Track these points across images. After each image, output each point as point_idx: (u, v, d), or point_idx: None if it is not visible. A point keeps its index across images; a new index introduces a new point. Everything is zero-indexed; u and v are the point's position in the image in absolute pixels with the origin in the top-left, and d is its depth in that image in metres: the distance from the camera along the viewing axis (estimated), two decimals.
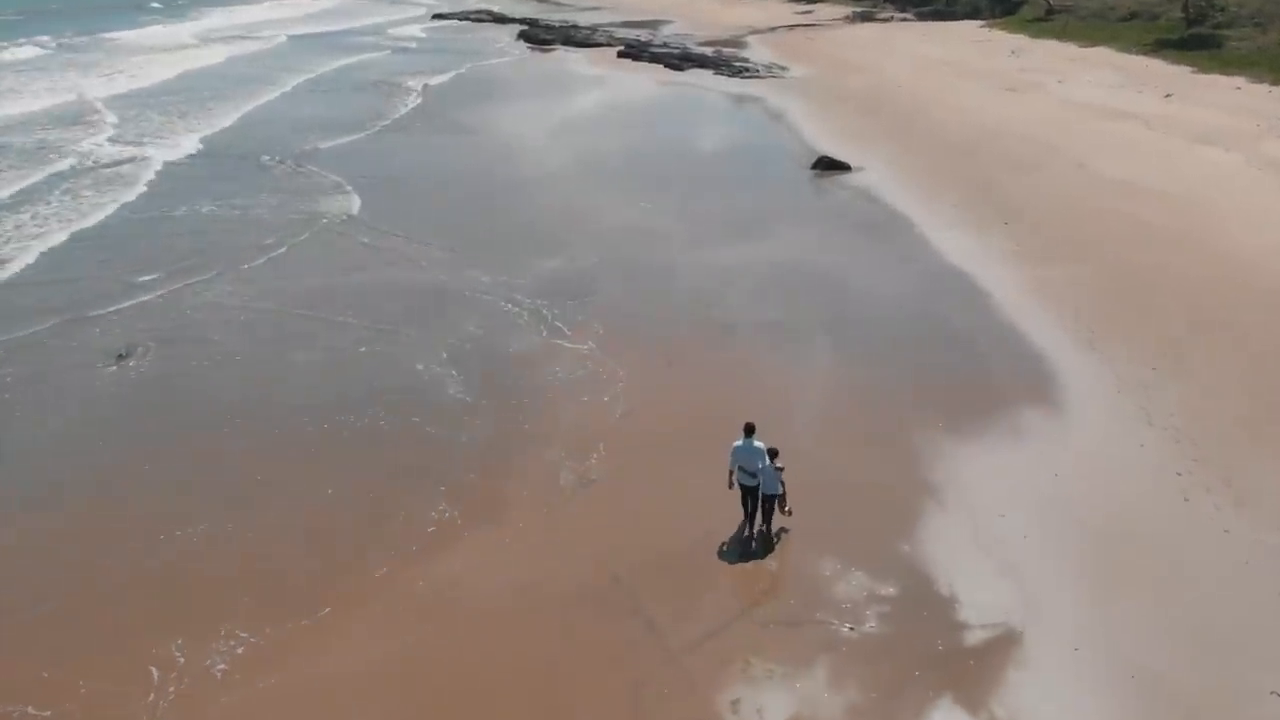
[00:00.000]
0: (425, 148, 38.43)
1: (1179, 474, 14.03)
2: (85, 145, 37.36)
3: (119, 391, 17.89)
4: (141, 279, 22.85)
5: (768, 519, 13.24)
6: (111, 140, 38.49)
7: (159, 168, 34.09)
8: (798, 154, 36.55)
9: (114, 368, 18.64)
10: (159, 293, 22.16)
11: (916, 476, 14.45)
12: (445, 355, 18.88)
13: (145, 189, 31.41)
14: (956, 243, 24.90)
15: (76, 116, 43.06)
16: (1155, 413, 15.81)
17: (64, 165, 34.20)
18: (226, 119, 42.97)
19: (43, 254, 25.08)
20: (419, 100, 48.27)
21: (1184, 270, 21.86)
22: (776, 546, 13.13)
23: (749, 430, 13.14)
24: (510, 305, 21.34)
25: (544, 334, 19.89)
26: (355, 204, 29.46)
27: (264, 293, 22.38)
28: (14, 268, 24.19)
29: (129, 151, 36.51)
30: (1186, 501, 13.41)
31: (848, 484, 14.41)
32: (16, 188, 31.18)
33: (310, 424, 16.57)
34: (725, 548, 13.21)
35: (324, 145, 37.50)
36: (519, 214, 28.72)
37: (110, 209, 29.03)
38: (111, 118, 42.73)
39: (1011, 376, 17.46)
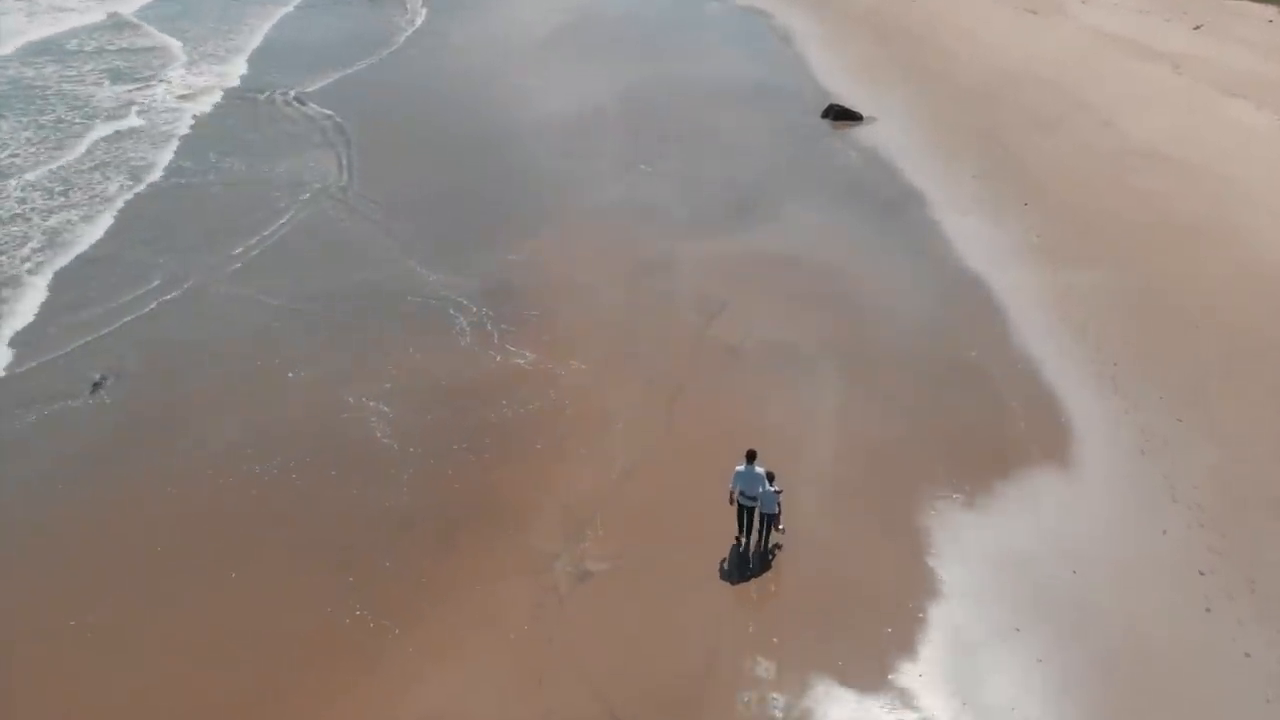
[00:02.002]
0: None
1: (1202, 573, 13.42)
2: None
3: None
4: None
5: (765, 536, 14.13)
6: None
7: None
8: (807, 95, 34.73)
9: None
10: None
11: (921, 572, 13.65)
12: (390, 392, 17.93)
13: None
14: (974, 231, 23.67)
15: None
16: (1180, 482, 15.10)
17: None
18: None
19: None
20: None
21: (1212, 279, 20.75)
22: (772, 563, 13.90)
23: (750, 457, 13.86)
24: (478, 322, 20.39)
25: (527, 360, 18.97)
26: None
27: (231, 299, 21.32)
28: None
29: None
30: (1208, 612, 12.83)
31: (844, 579, 13.60)
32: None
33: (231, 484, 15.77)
34: (725, 566, 13.88)
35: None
36: (497, 205, 27.11)
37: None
38: None
39: (1027, 426, 16.56)
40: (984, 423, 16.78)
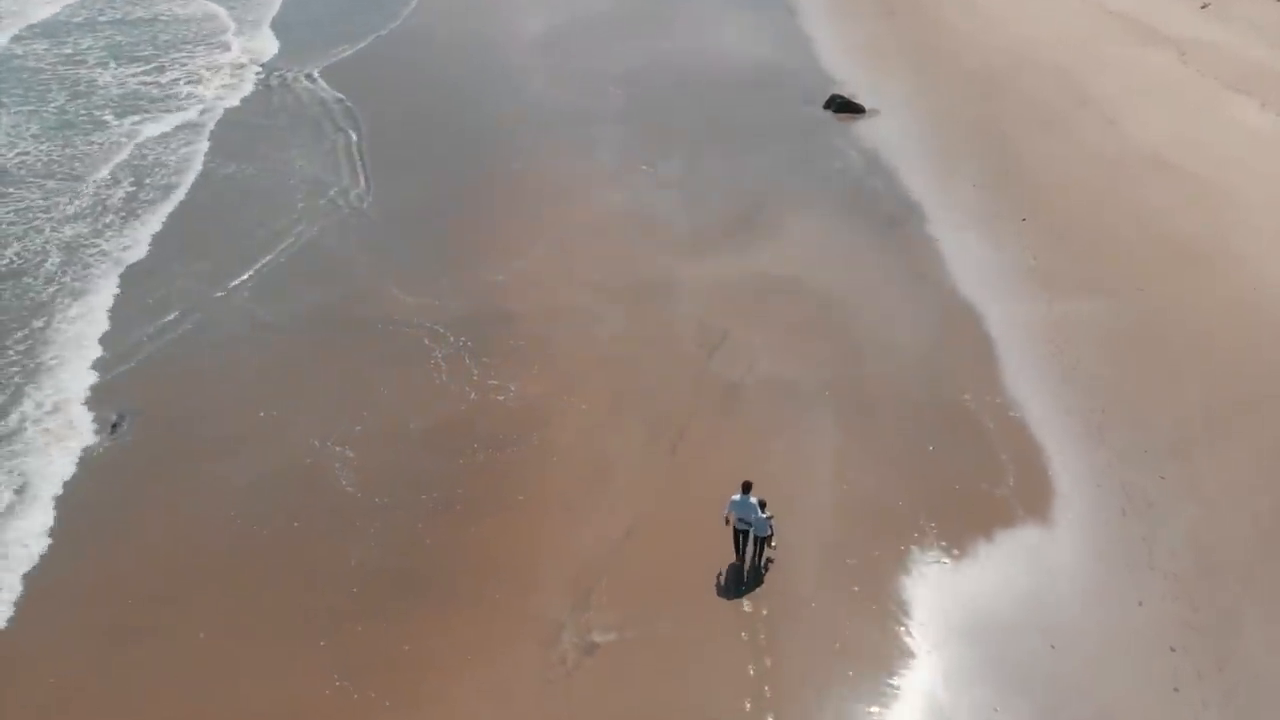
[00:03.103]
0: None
1: (1173, 649, 14.18)
2: None
3: None
4: None
5: (759, 554, 15.74)
6: None
7: None
8: (810, 81, 34.64)
9: None
10: None
11: (907, 645, 14.38)
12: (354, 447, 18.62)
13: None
14: (971, 252, 23.99)
15: None
16: (1158, 547, 15.77)
17: None
18: None
19: None
20: None
21: (1205, 312, 21.13)
22: (764, 576, 15.56)
23: (746, 488, 15.43)
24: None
25: (520, 402, 19.58)
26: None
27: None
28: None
29: None
30: (1176, 692, 13.62)
31: (836, 651, 14.31)
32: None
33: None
34: (723, 582, 15.45)
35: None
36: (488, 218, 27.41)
37: None
38: None
39: (1015, 482, 17.14)
40: (973, 477, 17.39)
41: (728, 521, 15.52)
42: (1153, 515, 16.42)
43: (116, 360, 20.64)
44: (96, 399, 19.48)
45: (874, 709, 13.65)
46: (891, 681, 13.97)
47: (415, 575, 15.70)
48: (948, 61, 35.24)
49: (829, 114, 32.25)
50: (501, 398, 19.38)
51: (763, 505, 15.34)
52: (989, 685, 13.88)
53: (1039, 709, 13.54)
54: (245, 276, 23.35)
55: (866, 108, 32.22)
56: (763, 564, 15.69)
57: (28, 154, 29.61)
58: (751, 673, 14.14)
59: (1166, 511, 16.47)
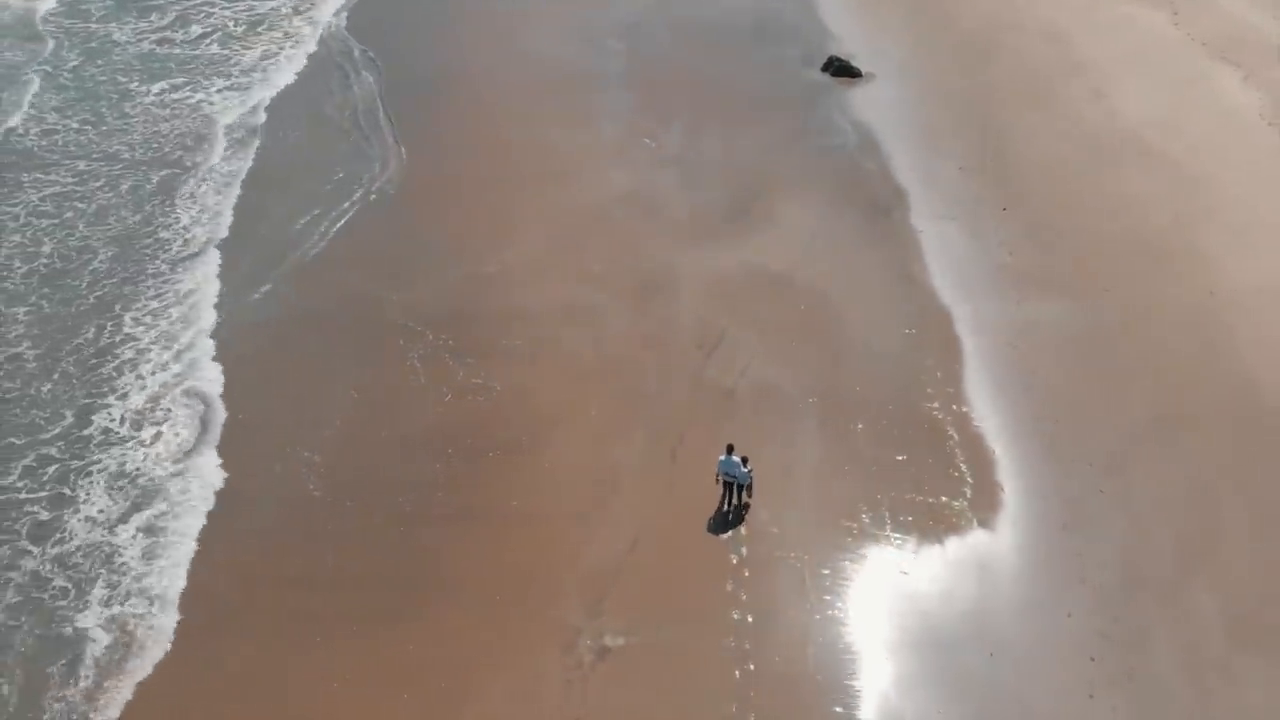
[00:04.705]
0: None
1: (1092, 659, 16.83)
2: None
3: None
4: None
5: (739, 499, 19.57)
6: None
7: None
8: (810, 38, 35.55)
9: None
10: None
11: (866, 657, 16.99)
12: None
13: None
14: (952, 246, 25.74)
15: None
16: (1090, 561, 18.23)
17: None
18: None
19: None
20: None
21: (1162, 316, 23.07)
22: (745, 515, 19.37)
23: (729, 450, 19.20)
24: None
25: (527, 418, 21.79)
26: None
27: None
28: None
29: None
30: (1091, 698, 16.33)
31: (812, 665, 16.99)
32: None
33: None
34: (712, 523, 19.21)
35: None
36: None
37: None
38: None
39: (972, 494, 19.51)
40: (936, 488, 19.77)
41: (718, 479, 19.25)
42: (1089, 530, 18.87)
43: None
44: None
45: (838, 709, 16.42)
46: (851, 683, 16.74)
47: (442, 582, 18.27)
48: (944, 19, 35.96)
49: (827, 77, 33.35)
50: (510, 402, 21.70)
51: (745, 461, 19.18)
52: (934, 688, 16.62)
53: (975, 712, 16.31)
54: None
55: (863, 72, 33.26)
56: (743, 505, 19.52)
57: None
58: (737, 675, 16.87)
59: (1100, 526, 18.91)
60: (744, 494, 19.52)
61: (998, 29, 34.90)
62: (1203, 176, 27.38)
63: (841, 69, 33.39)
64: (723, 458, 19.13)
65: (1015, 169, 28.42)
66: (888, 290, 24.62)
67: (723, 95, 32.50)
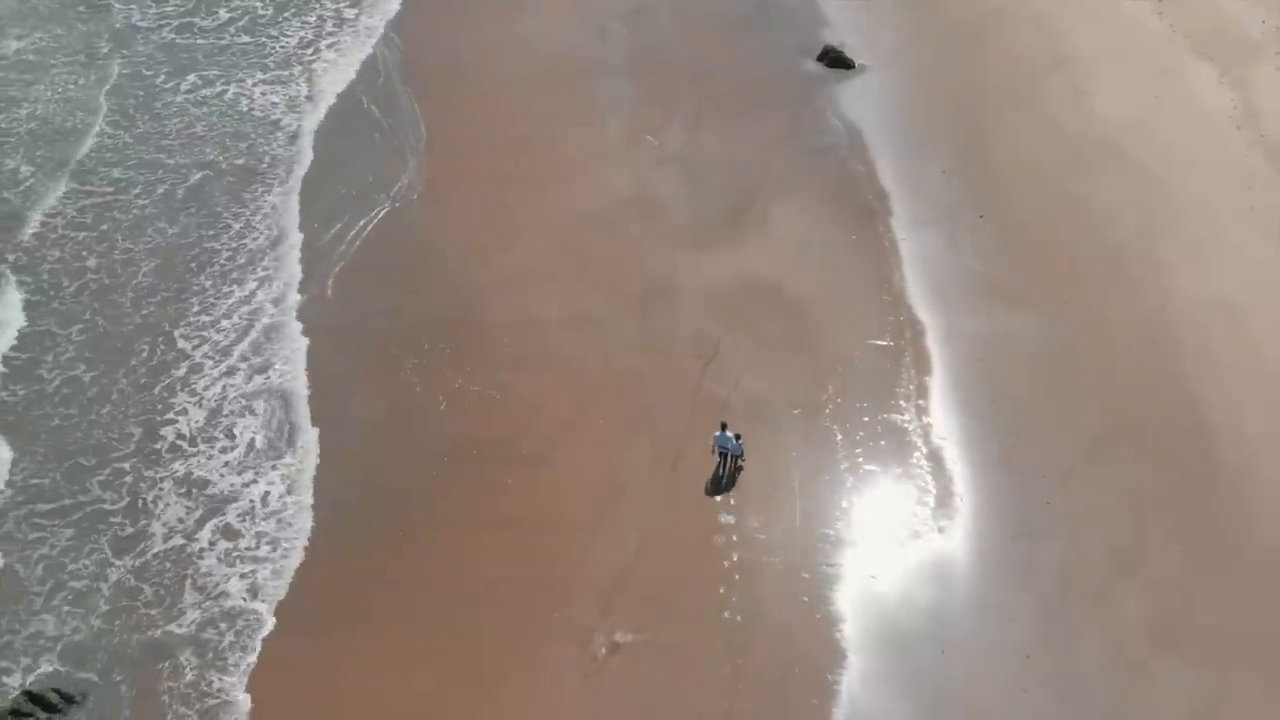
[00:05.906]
0: None
1: (1028, 657, 19.73)
2: None
3: None
4: None
5: (733, 466, 23.03)
6: None
7: None
8: (805, 25, 36.89)
9: None
10: None
11: (839, 653, 19.80)
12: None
13: None
14: (928, 258, 27.83)
15: None
16: (1035, 570, 20.95)
17: None
18: None
19: None
20: None
21: (1117, 335, 25.32)
22: (737, 479, 22.91)
23: (723, 427, 22.67)
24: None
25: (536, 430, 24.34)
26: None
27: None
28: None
29: None
30: (1025, 693, 19.31)
31: (789, 656, 19.86)
32: None
33: None
34: (708, 486, 22.65)
35: None
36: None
37: None
38: None
39: (936, 505, 22.16)
40: (908, 500, 22.44)
41: (713, 451, 22.84)
42: (1037, 541, 21.56)
43: None
44: None
45: (814, 701, 19.43)
46: (826, 677, 19.72)
47: (462, 584, 21.06)
48: (935, 3, 37.25)
49: (822, 67, 34.90)
50: (522, 413, 24.22)
51: (738, 437, 22.58)
52: (891, 683, 19.59)
53: (927, 705, 19.30)
54: None
55: (856, 64, 34.77)
56: (735, 471, 23.04)
57: None
58: (728, 672, 19.84)
59: (1047, 537, 21.60)
60: (737, 461, 22.99)
61: (985, 17, 36.26)
62: (1170, 184, 29.36)
63: (836, 59, 34.89)
64: (717, 434, 22.71)
65: (995, 173, 30.34)
66: (868, 303, 26.84)
67: (722, 87, 34.20)
